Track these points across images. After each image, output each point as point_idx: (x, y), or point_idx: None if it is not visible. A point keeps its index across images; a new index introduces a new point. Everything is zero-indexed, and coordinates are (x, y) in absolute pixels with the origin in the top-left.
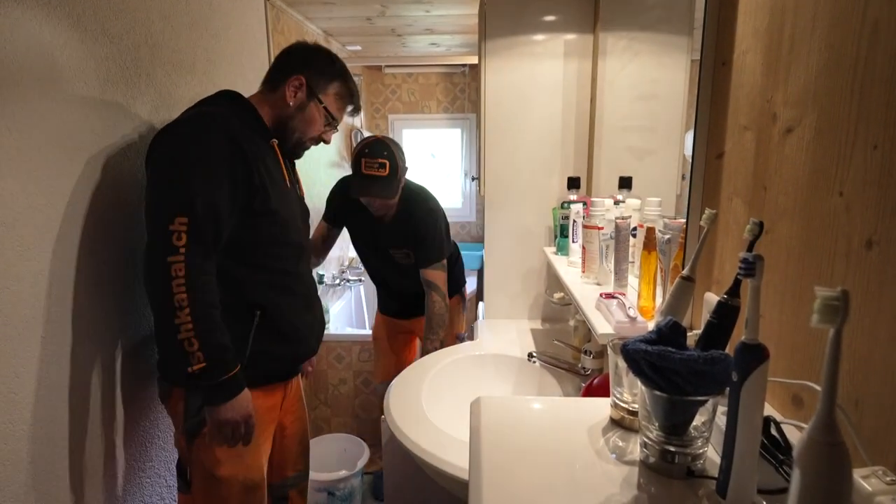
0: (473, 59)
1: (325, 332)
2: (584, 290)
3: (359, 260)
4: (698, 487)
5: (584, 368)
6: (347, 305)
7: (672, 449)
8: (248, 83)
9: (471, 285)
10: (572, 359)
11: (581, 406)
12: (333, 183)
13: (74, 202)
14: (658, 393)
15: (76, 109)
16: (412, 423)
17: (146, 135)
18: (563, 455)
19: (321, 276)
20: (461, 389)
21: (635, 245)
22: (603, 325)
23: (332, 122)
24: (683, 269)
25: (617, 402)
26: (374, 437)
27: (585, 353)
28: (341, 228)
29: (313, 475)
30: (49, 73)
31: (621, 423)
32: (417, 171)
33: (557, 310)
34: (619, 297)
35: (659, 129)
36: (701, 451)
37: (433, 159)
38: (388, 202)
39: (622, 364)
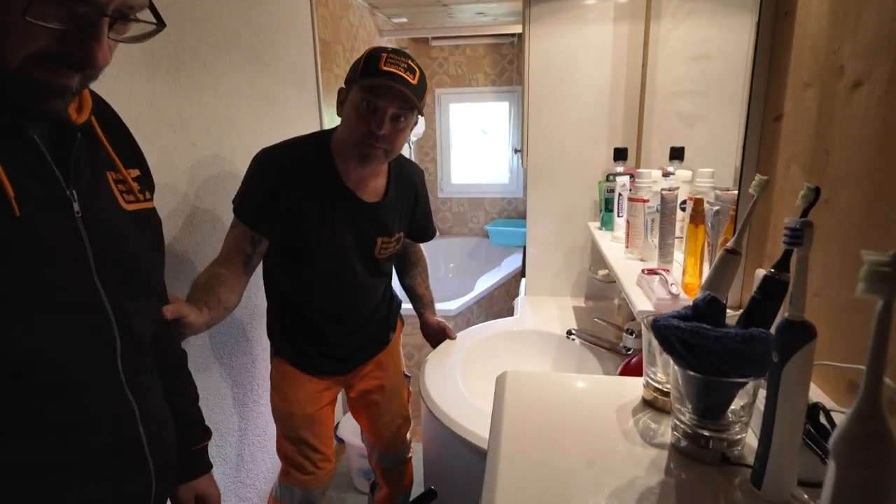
0: (521, 28)
1: None
2: (626, 265)
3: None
4: (734, 475)
5: (625, 348)
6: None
7: (706, 433)
8: (292, 57)
9: (515, 262)
10: (614, 338)
11: (613, 384)
12: None
13: None
14: (691, 373)
15: (122, 86)
16: (447, 397)
17: (190, 109)
18: (587, 434)
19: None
20: (498, 365)
21: (684, 220)
22: (643, 302)
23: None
24: None
25: (649, 381)
26: (416, 408)
27: (628, 332)
28: (271, 236)
29: (356, 444)
30: None
31: (653, 404)
32: (467, 147)
33: (601, 287)
34: (662, 273)
35: (712, 93)
36: (738, 436)
37: (484, 136)
38: (406, 130)
39: (656, 342)
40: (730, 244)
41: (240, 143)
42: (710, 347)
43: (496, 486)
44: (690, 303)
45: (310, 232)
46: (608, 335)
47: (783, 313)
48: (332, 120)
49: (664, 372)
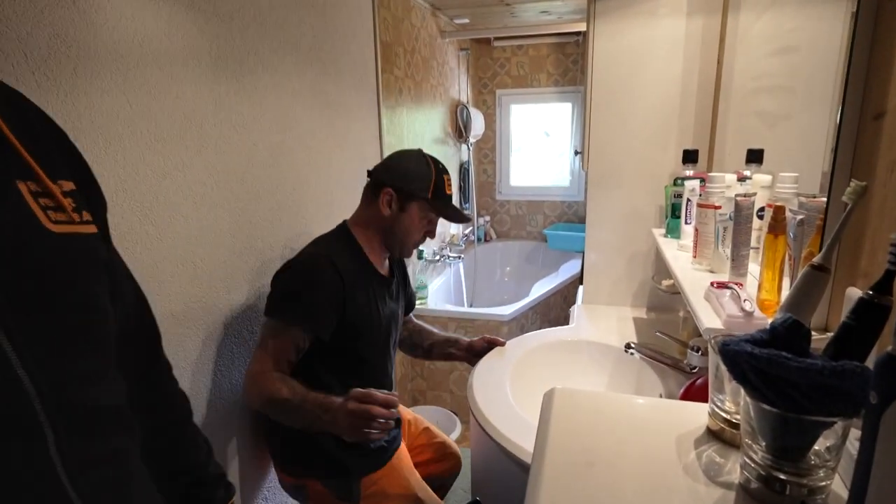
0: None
1: (424, 306)
2: (693, 277)
3: (459, 238)
4: None
5: (690, 366)
6: (446, 282)
7: (782, 476)
8: (353, 58)
9: (573, 268)
10: (678, 354)
11: (673, 410)
12: (435, 158)
13: (189, 171)
14: (766, 407)
15: (189, 87)
16: (494, 407)
17: (252, 110)
18: (642, 465)
19: (420, 253)
20: (550, 376)
21: (761, 229)
22: (711, 319)
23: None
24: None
25: (716, 409)
26: (466, 412)
27: (693, 349)
28: (332, 336)
29: None
30: (166, 52)
31: (720, 436)
32: (528, 150)
33: (665, 299)
34: (734, 287)
35: (799, 89)
36: (822, 483)
37: (547, 137)
38: None
39: (724, 366)
40: (817, 259)
41: (300, 144)
42: (791, 380)
43: None
44: (767, 324)
45: (364, 319)
46: (671, 351)
47: (885, 346)
48: (391, 122)
49: (733, 401)
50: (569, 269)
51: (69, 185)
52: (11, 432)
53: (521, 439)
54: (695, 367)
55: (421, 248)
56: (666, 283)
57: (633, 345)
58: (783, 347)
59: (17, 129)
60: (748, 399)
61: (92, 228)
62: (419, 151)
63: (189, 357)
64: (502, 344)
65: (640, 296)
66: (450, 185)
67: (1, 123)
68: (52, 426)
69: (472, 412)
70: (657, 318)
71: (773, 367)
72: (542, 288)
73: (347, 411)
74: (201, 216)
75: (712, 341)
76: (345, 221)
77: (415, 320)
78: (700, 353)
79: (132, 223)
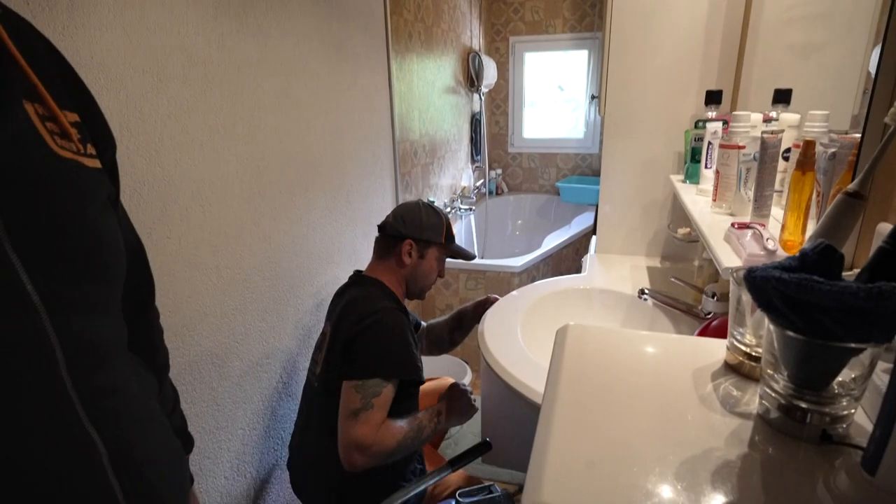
0: None
1: None
2: (712, 220)
3: (471, 191)
4: (835, 456)
5: (704, 312)
6: (458, 234)
7: (804, 405)
8: (361, 1)
9: (586, 221)
10: (692, 300)
11: (689, 345)
12: (446, 107)
13: (194, 113)
14: (792, 335)
15: (190, 27)
16: (505, 350)
17: (257, 52)
18: (656, 397)
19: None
20: (561, 322)
21: (786, 170)
22: (731, 259)
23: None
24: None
25: (735, 343)
26: (477, 361)
27: (708, 294)
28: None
29: None
30: None
31: (738, 370)
32: (543, 104)
33: (681, 248)
34: (757, 227)
35: (837, 14)
36: (845, 412)
37: (561, 92)
38: None
39: (747, 298)
40: (852, 186)
41: (306, 89)
42: (823, 304)
43: (547, 449)
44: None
45: (419, 357)
46: (685, 298)
47: None
48: (400, 68)
49: (754, 334)
50: (581, 223)
51: (74, 117)
52: (23, 353)
53: (532, 381)
54: (709, 313)
55: (432, 199)
56: (682, 231)
57: (646, 291)
58: (813, 273)
59: (25, 54)
60: (772, 328)
61: (97, 163)
62: (422, 202)
63: (194, 295)
64: (495, 298)
65: (655, 245)
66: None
67: (9, 42)
68: (62, 347)
69: (483, 356)
70: (672, 267)
71: (803, 292)
72: (553, 241)
73: (458, 396)
74: (208, 159)
75: (735, 275)
76: (362, 274)
77: (423, 324)
78: (715, 298)
79: (138, 164)
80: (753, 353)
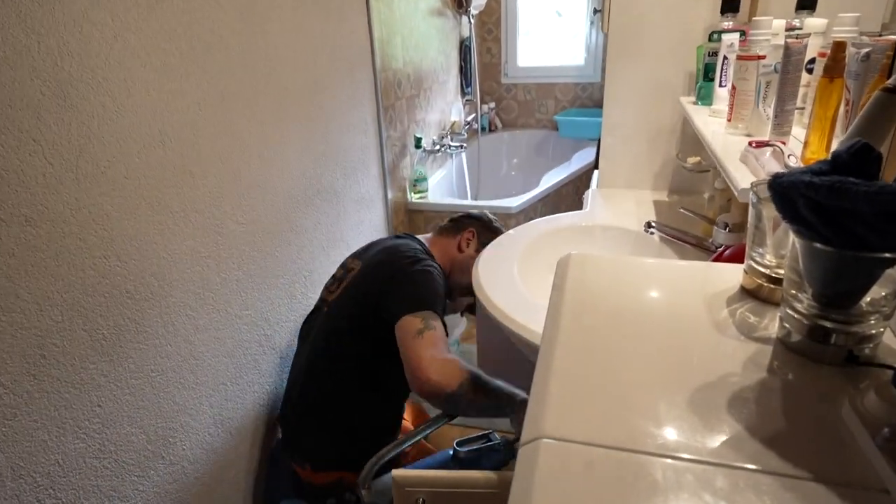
0: None
1: (423, 200)
2: (726, 141)
3: (461, 127)
4: (861, 377)
5: (715, 245)
6: (448, 175)
7: (828, 325)
8: None
9: (587, 157)
10: (702, 233)
11: (702, 271)
12: (431, 32)
13: (144, 33)
14: (820, 247)
15: None
16: (501, 289)
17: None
18: (667, 324)
19: (419, 141)
20: None
21: (808, 84)
22: (748, 181)
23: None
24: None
25: (754, 265)
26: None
27: (720, 225)
28: None
29: None
30: None
31: (756, 294)
32: (541, 31)
33: (690, 179)
34: (777, 144)
35: None
36: (873, 331)
37: (559, 18)
38: None
39: (769, 213)
40: (891, 81)
41: (272, 8)
42: (857, 209)
43: (549, 381)
44: None
45: None
46: (695, 230)
47: None
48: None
49: (775, 253)
50: (582, 159)
51: None
52: None
53: (532, 323)
54: (720, 246)
55: (419, 136)
56: (691, 160)
57: (653, 224)
58: (847, 175)
59: None
60: (798, 243)
61: None
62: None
63: (161, 240)
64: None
65: (662, 177)
66: None
67: None
68: None
69: (479, 300)
70: (680, 200)
71: (836, 196)
72: (552, 179)
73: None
74: (164, 88)
75: (755, 188)
76: (420, 239)
77: None
78: (728, 230)
79: (84, 92)
80: (774, 275)
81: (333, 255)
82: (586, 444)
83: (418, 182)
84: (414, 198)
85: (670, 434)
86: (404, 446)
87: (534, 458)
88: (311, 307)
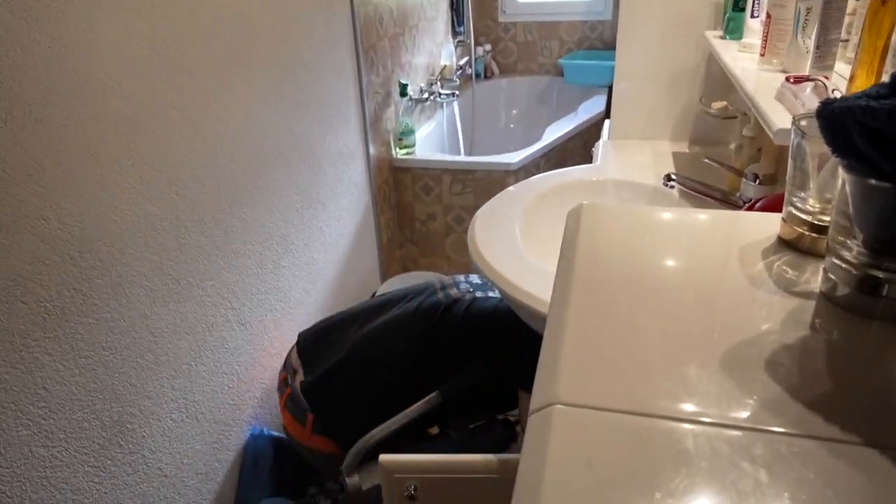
0: None
1: (411, 157)
2: (759, 79)
3: (453, 72)
4: None
5: (743, 199)
6: (438, 127)
7: (880, 275)
8: None
9: (596, 107)
10: (727, 187)
11: (732, 221)
12: None
13: None
14: (876, 183)
15: None
16: (501, 253)
17: None
18: (695, 280)
19: (404, 88)
20: None
21: (855, 11)
22: (783, 120)
23: None
24: None
25: (794, 213)
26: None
27: (749, 177)
28: None
29: None
30: None
31: (796, 245)
32: None
33: (715, 127)
34: (820, 79)
35: None
36: None
37: None
38: None
39: (814, 150)
40: None
41: None
42: None
43: (562, 343)
44: None
45: None
46: (720, 184)
47: None
48: None
49: (820, 197)
50: (590, 109)
51: None
52: None
53: (536, 288)
54: (749, 200)
55: (404, 82)
56: (716, 105)
57: (673, 177)
58: None
59: None
60: (848, 180)
61: None
62: None
63: (108, 199)
64: None
65: (682, 126)
66: None
67: None
68: None
69: (476, 263)
70: (703, 151)
71: None
72: (556, 131)
73: None
74: (106, 20)
75: (797, 123)
76: None
77: None
78: (758, 182)
79: (12, 25)
80: (817, 222)
81: (309, 218)
82: (606, 411)
83: (404, 136)
84: (400, 154)
85: (701, 398)
86: (393, 429)
87: (546, 427)
88: (285, 277)
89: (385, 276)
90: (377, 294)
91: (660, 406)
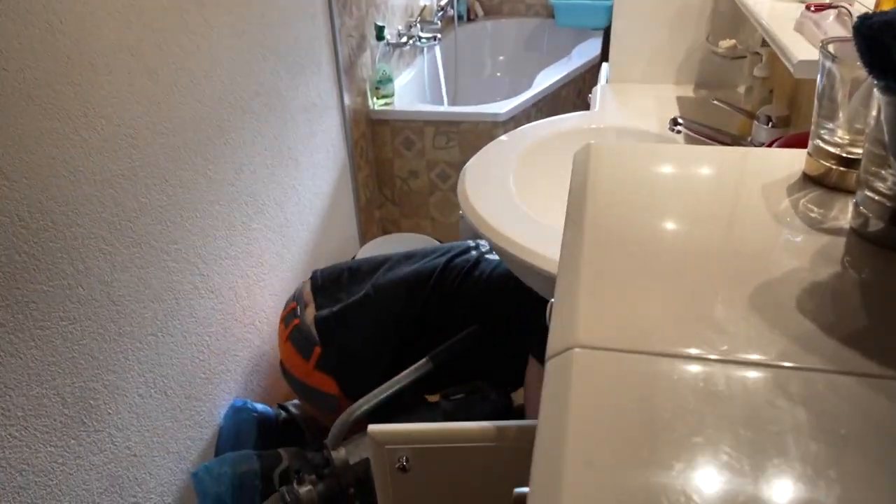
0: None
1: (389, 108)
2: (774, 9)
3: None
4: None
5: (755, 143)
6: (418, 75)
7: None
8: None
9: (591, 51)
10: (737, 131)
11: (752, 158)
12: None
13: None
14: None
15: None
16: (496, 207)
17: None
18: (717, 218)
19: (381, 31)
20: (565, 173)
21: None
22: (804, 51)
23: None
24: None
25: (821, 145)
26: (454, 240)
27: (763, 120)
28: None
29: None
30: None
31: (822, 181)
32: None
33: (721, 69)
34: (843, 5)
35: None
36: None
37: None
38: None
39: (845, 75)
40: None
41: None
42: None
43: (577, 285)
44: None
45: None
46: (731, 128)
47: None
48: None
49: (849, 127)
50: (584, 53)
51: None
52: None
53: (535, 243)
54: (761, 144)
55: (381, 24)
56: (725, 44)
57: (680, 120)
58: None
59: None
60: (886, 104)
61: None
62: None
63: (58, 154)
64: None
65: (687, 68)
66: None
67: None
68: None
69: (468, 219)
70: (709, 95)
71: None
72: (548, 78)
73: None
74: None
75: (826, 47)
76: None
77: None
78: (771, 124)
79: None
80: (845, 155)
81: (281, 176)
82: (630, 352)
83: (381, 84)
84: (377, 104)
85: (730, 337)
86: (381, 398)
87: (567, 371)
88: (256, 240)
89: (364, 239)
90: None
91: (687, 346)
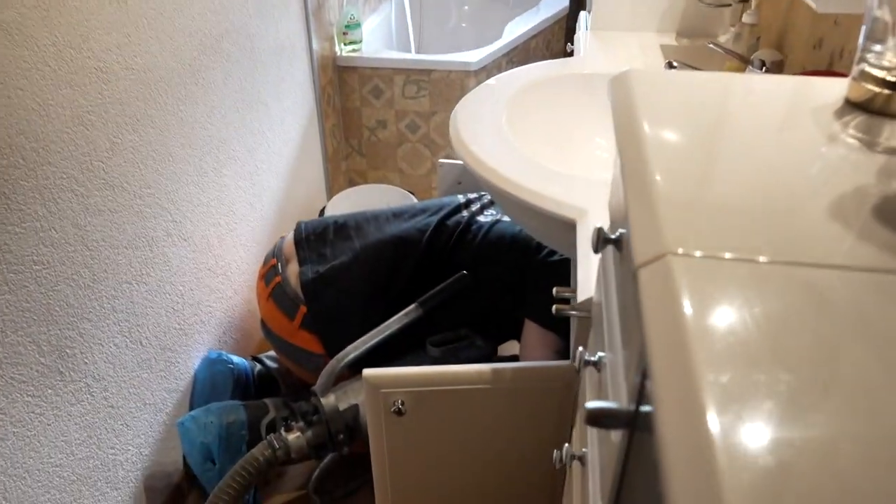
0: None
1: (357, 55)
2: None
3: None
4: None
5: None
6: (385, 21)
7: None
8: None
9: (559, 2)
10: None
11: (791, 85)
12: None
13: None
14: None
15: None
16: (491, 147)
17: None
18: (773, 141)
19: None
20: (557, 117)
21: None
22: None
23: None
24: None
25: (868, 69)
26: (423, 194)
27: (756, 65)
28: None
29: None
30: None
31: (867, 106)
32: None
33: (706, 16)
34: None
35: None
36: None
37: None
38: None
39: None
40: None
41: None
42: None
43: (650, 197)
44: None
45: None
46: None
47: None
48: None
49: None
50: (553, 4)
51: None
52: None
53: (536, 184)
54: None
55: None
56: None
57: (675, 64)
58: None
59: None
60: None
61: None
62: None
63: (27, 86)
64: None
65: (670, 16)
66: None
67: None
68: None
69: (463, 159)
70: (692, 45)
71: None
72: (517, 29)
73: None
74: None
75: None
76: None
77: None
78: (764, 69)
79: None
80: (893, 79)
81: (251, 121)
82: (725, 259)
83: (349, 29)
84: (345, 50)
85: (821, 244)
86: (371, 343)
87: (667, 278)
88: (228, 188)
89: (331, 191)
90: (325, 211)
91: (781, 253)
